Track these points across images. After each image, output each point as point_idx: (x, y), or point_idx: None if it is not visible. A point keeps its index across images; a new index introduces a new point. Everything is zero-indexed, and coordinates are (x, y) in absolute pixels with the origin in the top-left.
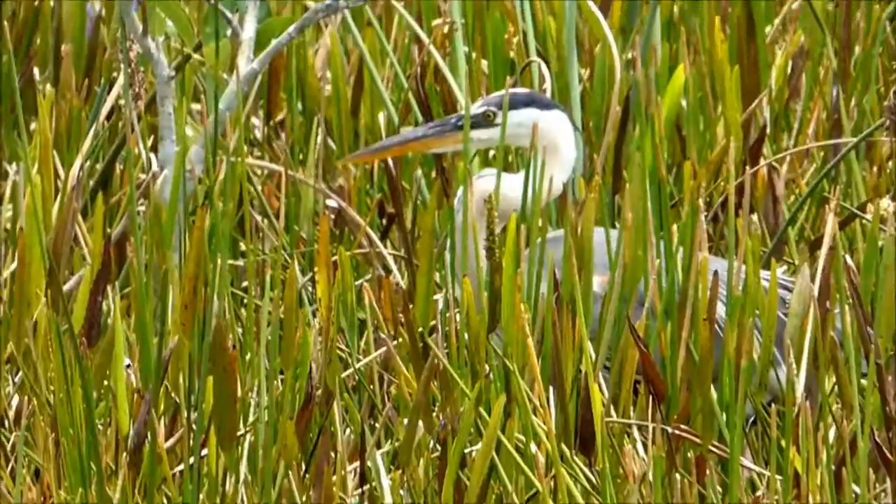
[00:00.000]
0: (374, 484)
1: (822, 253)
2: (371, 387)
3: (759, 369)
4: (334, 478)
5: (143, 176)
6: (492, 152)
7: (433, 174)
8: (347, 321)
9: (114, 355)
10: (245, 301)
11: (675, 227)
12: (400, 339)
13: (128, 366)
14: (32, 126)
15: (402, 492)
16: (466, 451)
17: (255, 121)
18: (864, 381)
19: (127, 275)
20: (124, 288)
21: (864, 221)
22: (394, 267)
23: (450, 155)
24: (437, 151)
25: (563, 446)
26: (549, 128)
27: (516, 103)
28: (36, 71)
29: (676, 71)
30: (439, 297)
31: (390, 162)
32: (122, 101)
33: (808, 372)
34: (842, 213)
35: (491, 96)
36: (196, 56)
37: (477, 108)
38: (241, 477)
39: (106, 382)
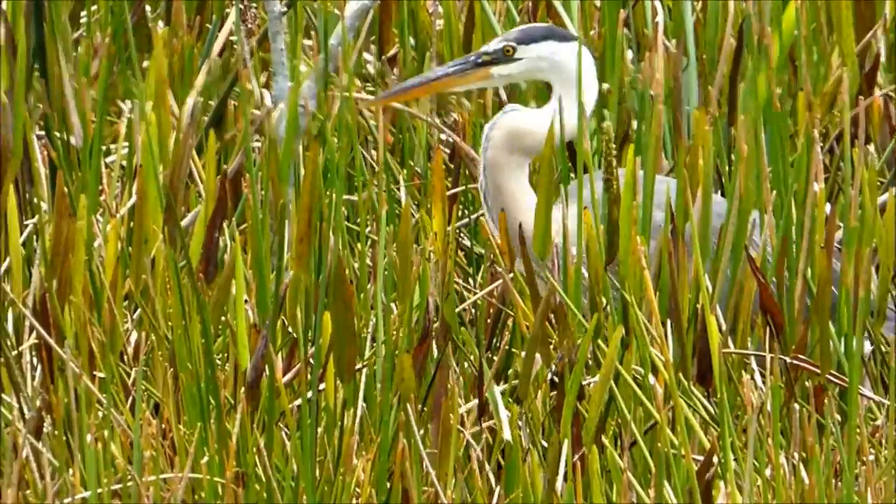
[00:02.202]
0: (491, 417)
1: None
2: (488, 320)
3: (878, 298)
4: (451, 412)
5: (256, 112)
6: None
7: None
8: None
9: (232, 291)
10: (360, 236)
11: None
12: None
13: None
14: (145, 64)
15: (520, 424)
16: (584, 383)
17: (367, 56)
18: None
19: (243, 211)
20: (240, 224)
21: None
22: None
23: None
24: (460, 89)
25: (681, 377)
26: (569, 60)
27: (535, 37)
28: (147, 9)
29: (790, 2)
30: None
31: (503, 94)
32: (234, 38)
33: None
34: None
35: (510, 32)
36: None
37: (496, 44)
38: (359, 411)
39: (223, 318)
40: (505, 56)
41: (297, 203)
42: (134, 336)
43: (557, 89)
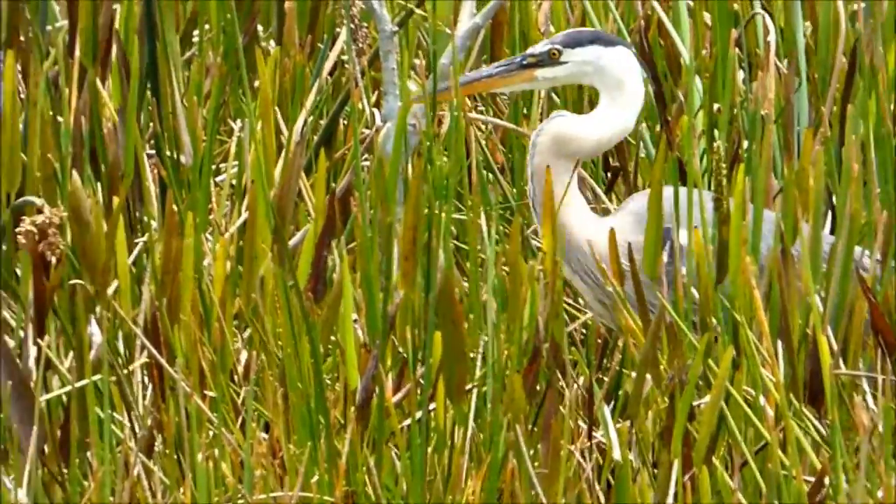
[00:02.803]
0: (601, 437)
1: None
2: (598, 340)
3: None
4: (561, 432)
5: (366, 131)
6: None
7: (657, 127)
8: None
9: (341, 310)
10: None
11: None
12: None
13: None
14: (256, 83)
15: (630, 445)
16: (694, 403)
17: None
18: None
19: (352, 229)
20: (349, 242)
21: None
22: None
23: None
24: (504, 90)
25: (792, 398)
26: (613, 64)
27: (581, 41)
28: (259, 28)
29: None
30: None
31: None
32: (345, 57)
33: None
34: None
35: (556, 35)
36: (418, 11)
37: (542, 47)
38: (469, 431)
39: (333, 337)
40: (550, 59)
41: (403, 221)
42: (244, 355)
43: (603, 94)
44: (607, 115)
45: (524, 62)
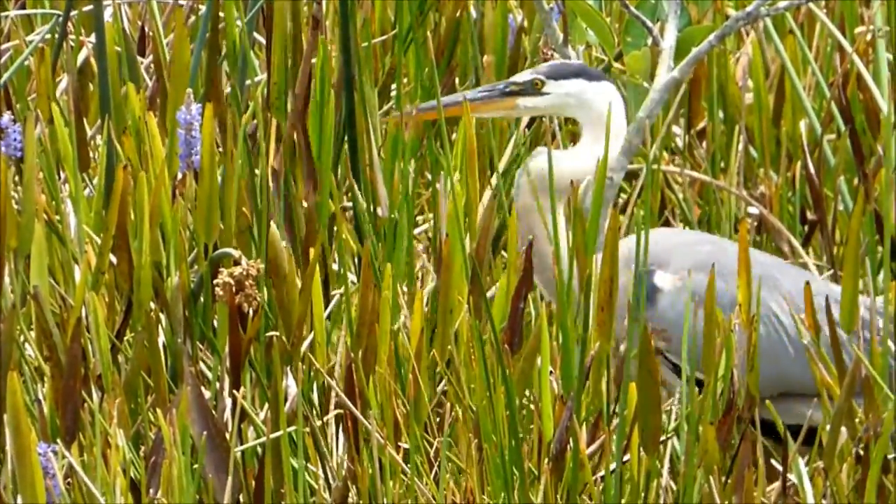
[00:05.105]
0: (795, 490)
1: None
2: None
3: None
4: (755, 484)
5: None
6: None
7: (855, 180)
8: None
9: (538, 362)
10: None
11: None
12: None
13: None
14: (454, 135)
15: (824, 496)
16: (889, 456)
17: (675, 129)
18: None
19: None
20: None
21: None
22: (816, 274)
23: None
24: (484, 116)
25: None
26: (597, 98)
27: (566, 73)
28: (457, 81)
29: None
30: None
31: (811, 168)
32: None
33: None
34: None
35: (541, 66)
36: (617, 65)
37: (526, 76)
38: (664, 482)
39: (528, 389)
40: (533, 88)
41: (600, 273)
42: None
43: (585, 129)
44: (591, 150)
45: (507, 90)
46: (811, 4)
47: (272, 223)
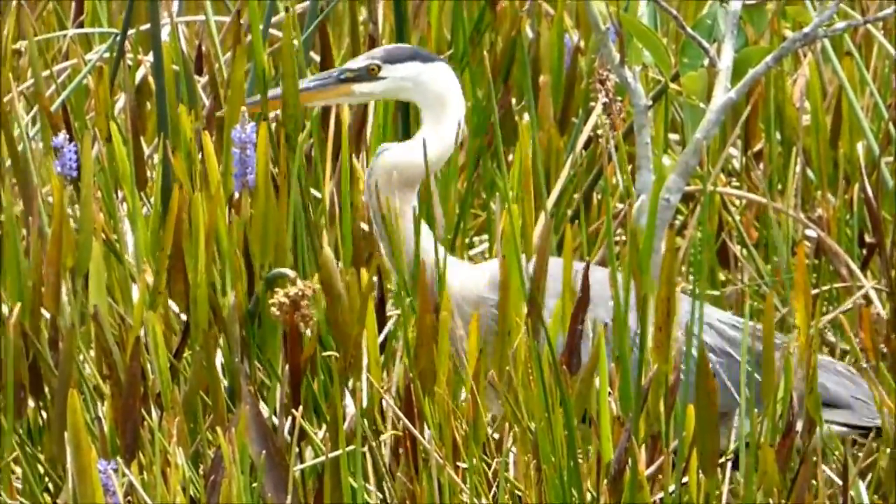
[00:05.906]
0: None
1: None
2: None
3: None
4: None
5: (619, 205)
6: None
7: None
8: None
9: (596, 383)
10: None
11: None
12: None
13: None
14: (510, 157)
15: None
16: None
17: (732, 150)
18: None
19: None
20: None
21: None
22: (874, 297)
23: None
24: (320, 104)
25: None
26: (433, 80)
27: (401, 57)
28: (513, 101)
29: None
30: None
31: (869, 190)
32: (599, 131)
33: None
34: None
35: (375, 50)
36: (673, 86)
37: (361, 62)
38: None
39: (586, 410)
40: (369, 74)
41: (657, 294)
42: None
43: (425, 113)
44: (431, 136)
45: (342, 76)
46: (869, 25)
47: (325, 244)
